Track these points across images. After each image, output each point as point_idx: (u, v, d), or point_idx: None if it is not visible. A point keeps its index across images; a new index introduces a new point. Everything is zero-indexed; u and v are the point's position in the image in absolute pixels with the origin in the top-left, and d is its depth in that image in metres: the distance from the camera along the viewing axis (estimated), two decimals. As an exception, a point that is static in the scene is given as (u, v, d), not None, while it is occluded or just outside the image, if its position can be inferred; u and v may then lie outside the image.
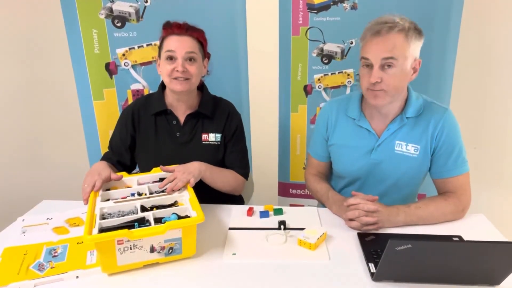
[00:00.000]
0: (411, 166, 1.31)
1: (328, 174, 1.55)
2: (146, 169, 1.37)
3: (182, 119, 1.46)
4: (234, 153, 1.49)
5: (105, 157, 1.49)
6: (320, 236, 1.13)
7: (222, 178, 1.43)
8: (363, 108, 1.36)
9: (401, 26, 1.16)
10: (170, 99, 1.45)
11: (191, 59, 1.35)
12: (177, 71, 1.32)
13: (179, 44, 1.33)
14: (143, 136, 1.47)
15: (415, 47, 1.20)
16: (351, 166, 1.38)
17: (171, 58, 1.34)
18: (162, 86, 1.48)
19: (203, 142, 1.46)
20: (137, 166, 1.56)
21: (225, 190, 1.46)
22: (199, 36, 1.38)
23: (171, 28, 1.35)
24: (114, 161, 1.46)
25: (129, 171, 1.51)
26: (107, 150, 1.54)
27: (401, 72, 1.18)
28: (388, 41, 1.16)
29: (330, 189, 1.39)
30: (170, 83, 1.36)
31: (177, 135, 1.45)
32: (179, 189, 1.21)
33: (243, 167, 1.51)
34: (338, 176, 1.47)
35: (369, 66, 1.20)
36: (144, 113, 1.47)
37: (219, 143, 1.47)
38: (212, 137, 1.46)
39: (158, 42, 1.42)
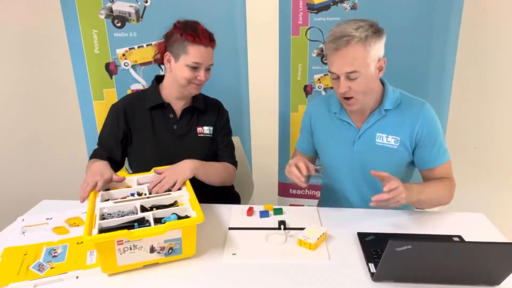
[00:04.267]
0: (392, 157, 1.35)
1: None
2: (145, 162, 1.39)
3: (178, 113, 1.49)
4: (226, 145, 1.56)
5: (95, 154, 1.48)
6: (320, 236, 1.13)
7: (215, 172, 1.46)
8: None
9: (357, 38, 1.18)
10: (167, 94, 1.48)
11: (209, 69, 1.42)
12: (199, 80, 1.38)
13: (206, 56, 1.37)
14: (140, 131, 1.48)
15: (376, 50, 1.22)
16: (336, 158, 1.42)
17: (195, 68, 1.36)
18: (157, 81, 1.50)
19: (199, 135, 1.51)
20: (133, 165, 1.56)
21: (218, 183, 1.48)
22: (215, 44, 1.42)
23: (199, 37, 1.34)
24: (104, 158, 1.45)
25: (119, 168, 1.52)
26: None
27: (366, 78, 1.23)
28: (348, 55, 1.19)
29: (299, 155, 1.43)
30: (186, 86, 1.40)
31: (174, 127, 1.49)
32: (167, 191, 1.22)
33: (233, 157, 1.58)
34: (326, 172, 1.50)
35: (336, 78, 1.25)
36: (139, 109, 1.48)
37: (211, 135, 1.53)
38: (206, 130, 1.52)
39: (166, 38, 1.41)
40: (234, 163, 1.58)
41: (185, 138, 1.49)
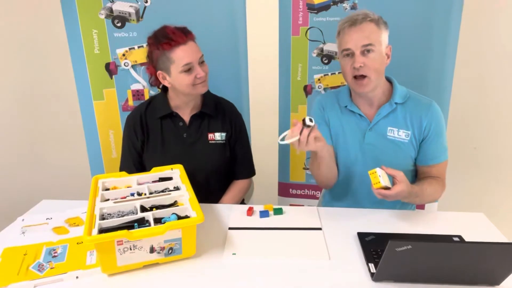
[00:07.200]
0: (404, 151, 1.37)
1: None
2: None
3: (187, 120, 1.48)
4: (242, 156, 1.56)
5: (128, 164, 1.51)
6: (386, 186, 1.14)
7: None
8: (352, 97, 1.43)
9: (371, 17, 1.28)
10: (176, 101, 1.47)
11: (202, 61, 1.39)
12: (200, 77, 1.35)
13: (191, 52, 1.34)
14: (152, 140, 1.48)
15: (385, 36, 1.31)
16: (348, 150, 1.42)
17: (189, 70, 1.34)
18: (164, 90, 1.49)
19: (210, 142, 1.49)
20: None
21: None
22: (193, 35, 1.38)
23: (173, 40, 1.32)
24: (133, 169, 1.49)
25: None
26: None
27: (379, 56, 1.29)
28: (364, 29, 1.27)
29: None
30: (194, 89, 1.38)
31: (184, 136, 1.47)
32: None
33: (250, 168, 1.61)
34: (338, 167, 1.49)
35: (350, 55, 1.29)
36: (150, 117, 1.49)
37: (224, 141, 1.50)
38: (218, 136, 1.50)
39: (149, 59, 1.41)
40: (251, 173, 1.61)
41: (196, 145, 1.48)
